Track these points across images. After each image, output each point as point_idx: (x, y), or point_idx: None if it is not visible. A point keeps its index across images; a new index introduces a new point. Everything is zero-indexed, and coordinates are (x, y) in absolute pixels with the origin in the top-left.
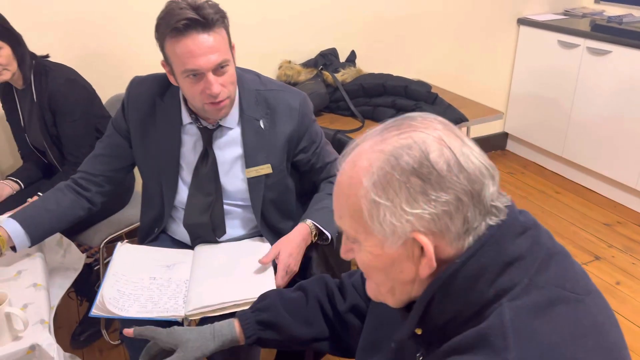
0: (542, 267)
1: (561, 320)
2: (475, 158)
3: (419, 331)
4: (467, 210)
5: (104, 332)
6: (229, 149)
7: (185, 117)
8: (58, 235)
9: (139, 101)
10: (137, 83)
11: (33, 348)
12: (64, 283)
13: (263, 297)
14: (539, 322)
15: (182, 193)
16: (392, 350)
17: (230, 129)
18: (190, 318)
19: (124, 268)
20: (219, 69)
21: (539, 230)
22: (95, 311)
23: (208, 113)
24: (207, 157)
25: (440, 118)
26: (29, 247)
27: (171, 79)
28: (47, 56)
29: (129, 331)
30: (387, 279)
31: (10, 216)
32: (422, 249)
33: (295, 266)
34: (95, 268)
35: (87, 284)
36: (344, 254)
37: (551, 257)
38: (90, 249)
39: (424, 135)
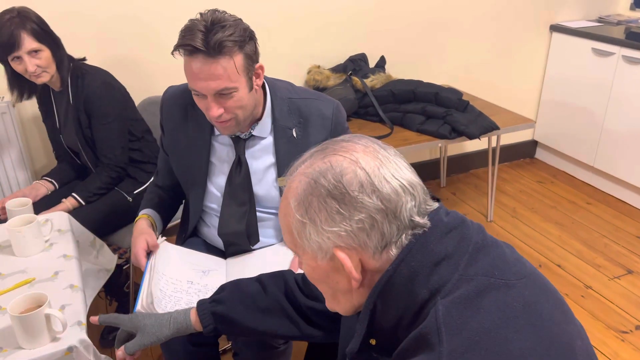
0: (471, 260)
1: (491, 307)
2: (392, 178)
3: (373, 342)
4: (383, 227)
5: None
6: (262, 158)
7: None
8: (91, 236)
9: (171, 109)
10: (171, 92)
11: (71, 349)
12: (96, 284)
13: (221, 288)
14: (470, 312)
15: (213, 200)
16: None
17: (263, 138)
18: None
19: (164, 267)
20: (222, 94)
21: (466, 228)
22: (139, 309)
23: (218, 129)
24: (240, 166)
25: (366, 140)
26: (162, 230)
27: None
28: (84, 59)
29: (94, 319)
30: (328, 288)
31: (142, 207)
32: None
33: None
34: (125, 268)
35: (116, 284)
36: (296, 267)
37: (479, 250)
38: (120, 249)
39: (341, 158)
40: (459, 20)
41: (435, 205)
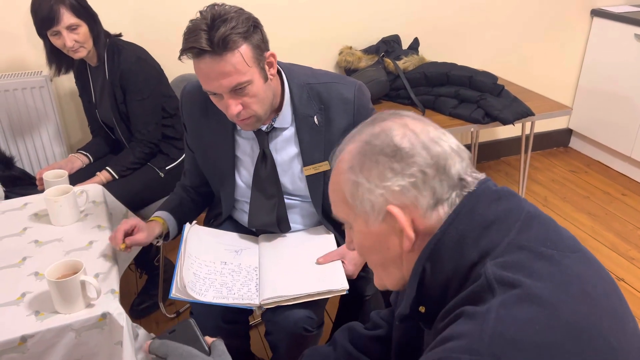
0: (524, 227)
1: (543, 271)
2: (440, 140)
3: (422, 309)
4: (434, 182)
5: (161, 304)
6: (286, 149)
7: None
8: (124, 209)
9: (191, 107)
10: (188, 91)
11: (104, 316)
12: (127, 256)
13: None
14: (521, 275)
15: (242, 194)
16: (397, 327)
17: (285, 128)
18: (265, 307)
19: (197, 250)
20: (237, 90)
21: (517, 198)
22: (175, 293)
23: (240, 126)
24: (265, 160)
25: (413, 114)
26: (176, 235)
27: None
28: (120, 35)
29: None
30: (379, 256)
31: (159, 209)
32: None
33: (360, 261)
34: (157, 243)
35: (147, 258)
36: (348, 245)
37: (532, 219)
38: None
39: (391, 123)
40: (496, 2)
41: (483, 175)
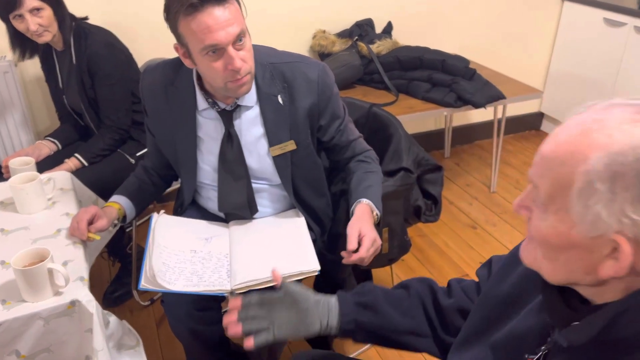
0: None
1: None
2: None
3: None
4: None
5: (134, 292)
6: (250, 130)
7: (201, 103)
8: (94, 196)
9: (151, 89)
10: (148, 72)
11: (73, 304)
12: (98, 244)
13: (362, 285)
14: None
15: (206, 177)
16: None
17: (249, 107)
18: (237, 292)
19: (166, 240)
20: (237, 42)
21: None
22: (144, 284)
23: (230, 92)
24: (231, 141)
25: None
26: (134, 218)
27: (187, 62)
28: (86, 18)
29: (249, 344)
30: (556, 255)
31: (116, 193)
32: (613, 249)
33: (379, 240)
34: (128, 230)
35: (119, 245)
36: (517, 207)
37: None
38: None
39: None
40: None
41: None
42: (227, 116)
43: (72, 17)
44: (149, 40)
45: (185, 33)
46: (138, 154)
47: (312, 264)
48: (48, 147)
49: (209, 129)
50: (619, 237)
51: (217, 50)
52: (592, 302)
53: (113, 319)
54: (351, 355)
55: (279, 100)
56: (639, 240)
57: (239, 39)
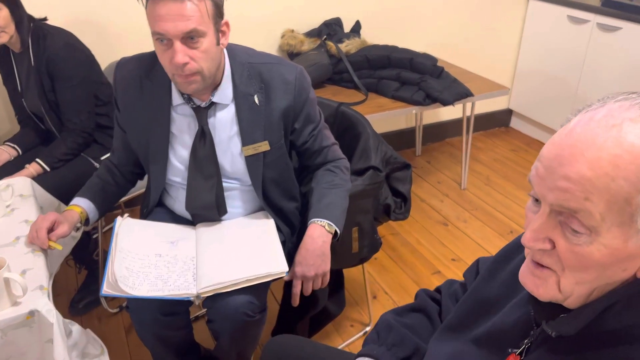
0: None
1: None
2: None
3: (553, 332)
4: None
5: (102, 299)
6: (225, 128)
7: (176, 98)
8: (56, 202)
9: (125, 83)
10: (123, 64)
11: (32, 314)
12: (62, 251)
13: (388, 328)
14: None
15: (176, 173)
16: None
17: (225, 105)
18: (203, 295)
19: (129, 244)
20: (189, 40)
21: None
22: (106, 289)
23: (178, 85)
24: (204, 137)
25: None
26: (97, 220)
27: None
28: (45, 19)
29: None
30: (598, 277)
31: (78, 195)
32: None
33: (324, 275)
34: (94, 236)
35: (85, 252)
36: (534, 242)
37: None
38: None
39: None
40: None
41: None
42: (202, 113)
43: (30, 17)
44: (112, 41)
45: (148, 17)
46: (102, 158)
47: (280, 266)
48: (8, 153)
49: (183, 125)
50: None
51: (165, 40)
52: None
53: (76, 327)
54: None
55: (255, 100)
56: None
57: (190, 36)
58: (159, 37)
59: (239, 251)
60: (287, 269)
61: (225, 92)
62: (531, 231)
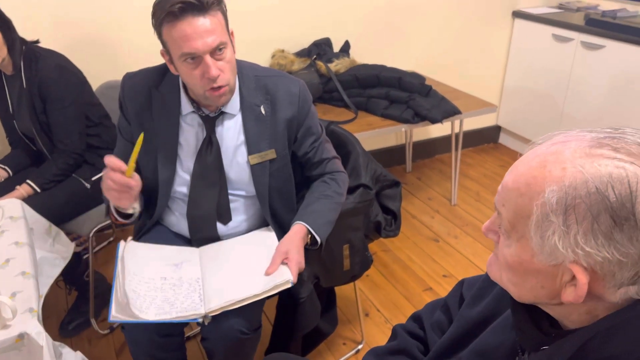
0: None
1: None
2: None
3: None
4: None
5: (93, 321)
6: (232, 137)
7: (186, 107)
8: (47, 223)
9: (134, 94)
10: (130, 77)
11: (22, 336)
12: (52, 272)
13: None
14: None
15: (181, 184)
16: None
17: (233, 115)
18: (211, 314)
19: (134, 267)
20: (216, 52)
21: None
22: (115, 314)
23: (209, 100)
24: (211, 146)
25: None
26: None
27: (171, 68)
28: (37, 42)
29: None
30: (521, 281)
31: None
32: (573, 277)
33: (303, 263)
34: (85, 257)
35: (76, 273)
36: (485, 231)
37: None
38: (80, 238)
39: None
40: (423, 6)
41: None
42: (210, 122)
43: (23, 40)
44: (104, 62)
45: (167, 40)
46: (94, 178)
47: (284, 275)
48: None
49: (190, 135)
50: (574, 267)
51: (195, 58)
52: (561, 323)
53: (66, 350)
54: None
55: (261, 111)
56: (594, 270)
57: (218, 48)
58: (190, 56)
59: (245, 267)
60: (291, 277)
61: (233, 102)
62: (486, 223)
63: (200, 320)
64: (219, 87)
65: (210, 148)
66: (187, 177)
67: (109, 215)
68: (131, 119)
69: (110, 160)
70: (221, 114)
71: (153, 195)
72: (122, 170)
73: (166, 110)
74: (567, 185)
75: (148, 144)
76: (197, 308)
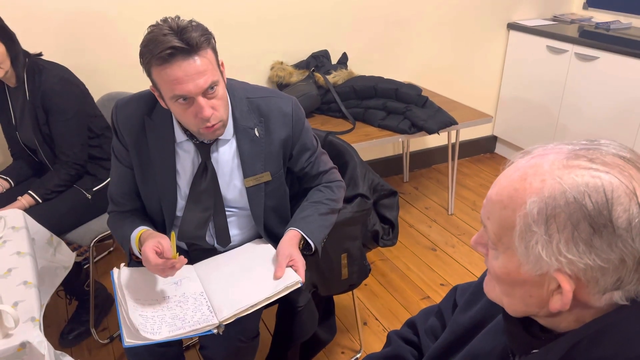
0: None
1: None
2: None
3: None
4: (625, 273)
5: (93, 331)
6: (227, 162)
7: (179, 135)
8: (48, 233)
9: (128, 123)
10: (122, 106)
11: (24, 345)
12: (53, 281)
13: None
14: None
15: (181, 206)
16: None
17: (227, 140)
18: (224, 323)
19: (135, 292)
20: (208, 92)
21: None
22: (129, 340)
23: (203, 136)
24: (206, 172)
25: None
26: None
27: (162, 103)
28: (40, 54)
29: None
30: (512, 291)
31: (132, 228)
32: (559, 285)
33: (305, 265)
34: (85, 267)
35: (76, 282)
36: (474, 245)
37: None
38: (80, 248)
39: (618, 182)
40: (419, 18)
41: None
42: (205, 149)
43: (26, 53)
44: (106, 75)
45: (158, 80)
46: (95, 189)
47: (293, 277)
48: (0, 185)
49: (186, 162)
50: (558, 275)
51: (187, 99)
52: (552, 329)
53: (67, 359)
54: None
55: (255, 133)
56: (577, 277)
57: (210, 87)
58: (181, 97)
59: (248, 275)
60: (300, 278)
61: (228, 128)
62: (475, 237)
63: (215, 331)
64: (213, 125)
65: (205, 174)
66: (184, 203)
67: (130, 256)
68: (128, 147)
69: (165, 249)
70: (215, 140)
71: (160, 220)
72: (168, 257)
73: (161, 140)
74: (546, 196)
75: (146, 172)
76: (209, 319)
